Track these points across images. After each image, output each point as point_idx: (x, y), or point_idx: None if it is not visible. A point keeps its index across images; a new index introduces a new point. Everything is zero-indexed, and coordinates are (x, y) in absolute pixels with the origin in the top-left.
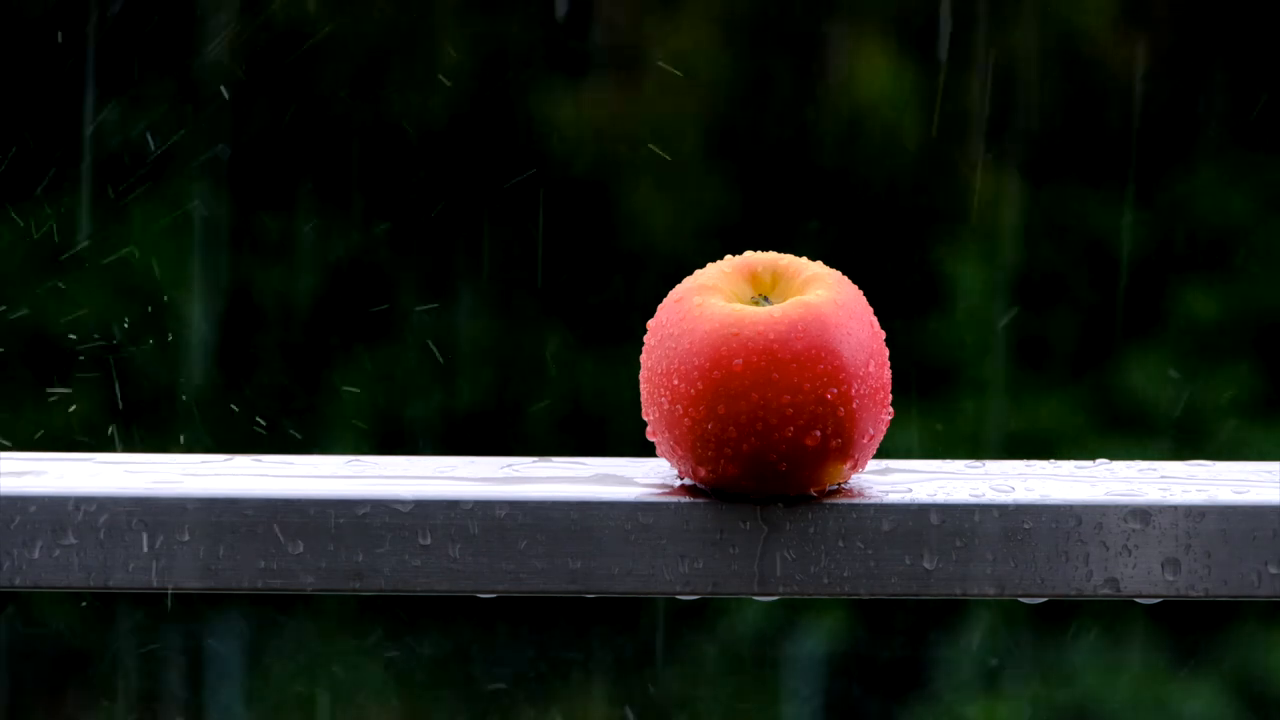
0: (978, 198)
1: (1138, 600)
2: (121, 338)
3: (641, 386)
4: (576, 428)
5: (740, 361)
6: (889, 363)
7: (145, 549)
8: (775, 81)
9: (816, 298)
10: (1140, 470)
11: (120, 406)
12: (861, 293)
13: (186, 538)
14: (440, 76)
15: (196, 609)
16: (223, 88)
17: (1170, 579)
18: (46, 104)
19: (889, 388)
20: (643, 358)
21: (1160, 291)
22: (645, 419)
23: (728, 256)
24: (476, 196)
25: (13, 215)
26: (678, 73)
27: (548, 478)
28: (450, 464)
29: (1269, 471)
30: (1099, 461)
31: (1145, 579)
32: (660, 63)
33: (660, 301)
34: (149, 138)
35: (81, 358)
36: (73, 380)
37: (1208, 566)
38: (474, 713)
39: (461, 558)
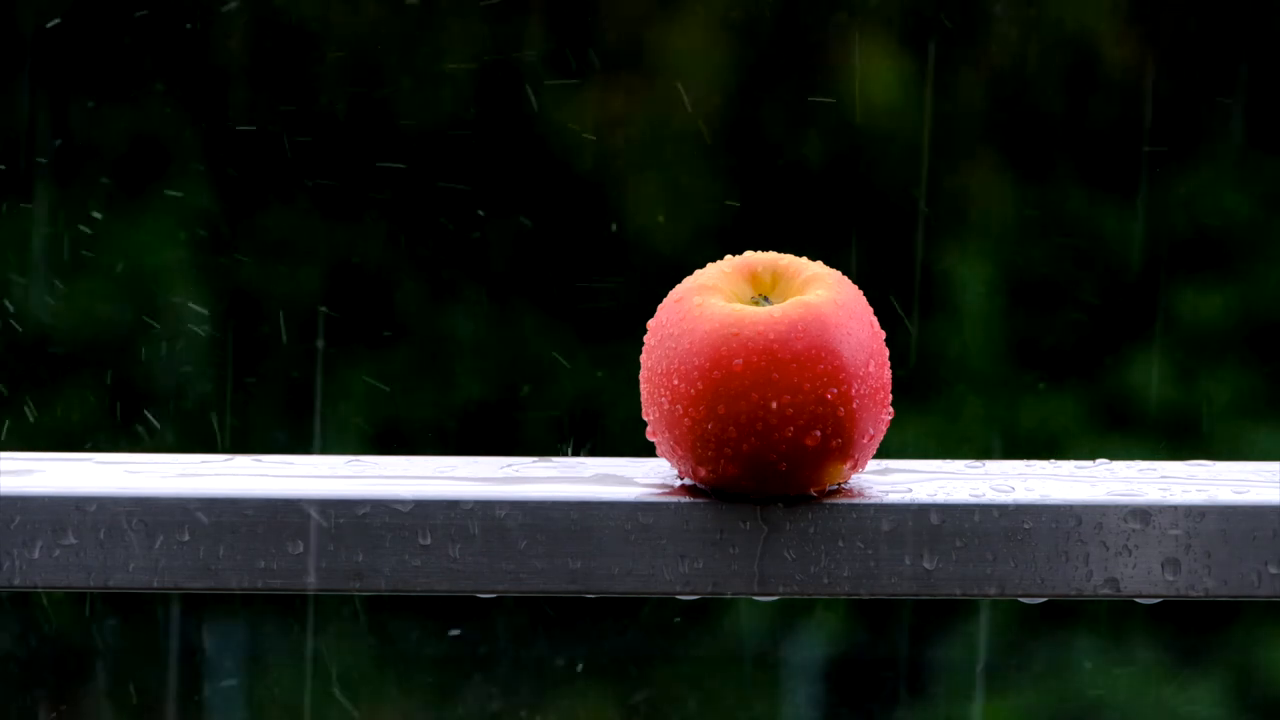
0: (978, 198)
1: (1138, 600)
2: (122, 338)
3: (641, 386)
4: (576, 428)
5: (740, 361)
6: (889, 363)
7: (145, 549)
8: (776, 82)
9: (816, 298)
10: (1140, 470)
11: (120, 406)
12: (861, 293)
13: (186, 538)
14: (441, 76)
15: (196, 609)
16: (223, 87)
17: (1170, 579)
18: (46, 104)
19: (889, 388)
20: (643, 358)
21: (1160, 291)
22: (645, 419)
23: (728, 256)
24: (477, 196)
25: (13, 215)
26: (678, 73)
27: (548, 478)
28: (450, 464)
29: (1269, 471)
30: (1099, 461)
31: (1145, 579)
32: (660, 63)
33: (660, 301)
34: (149, 138)
35: (82, 358)
36: (73, 380)
37: (1208, 566)
38: (474, 713)
39: (461, 558)
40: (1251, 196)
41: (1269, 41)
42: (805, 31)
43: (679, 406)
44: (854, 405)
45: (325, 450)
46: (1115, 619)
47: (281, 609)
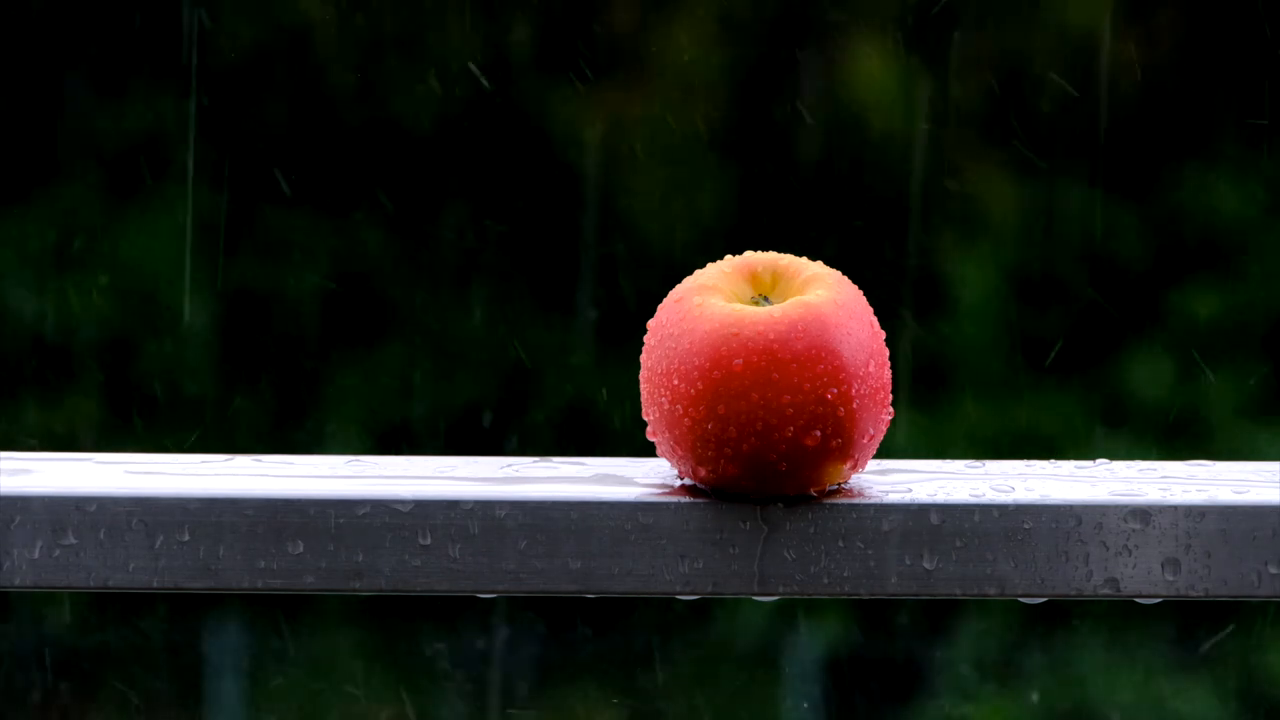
0: (978, 197)
1: (1138, 600)
2: (122, 338)
3: (641, 386)
4: (576, 428)
5: (740, 361)
6: (889, 363)
7: (145, 549)
8: (776, 81)
9: (816, 298)
10: (1140, 470)
11: (120, 406)
12: (861, 293)
13: (186, 538)
14: (441, 76)
15: (196, 609)
16: (223, 87)
17: (1170, 579)
18: (46, 104)
19: (889, 388)
20: (643, 358)
21: (1160, 291)
22: (645, 419)
23: (728, 256)
24: (477, 196)
25: (13, 215)
26: (678, 73)
27: (548, 478)
28: (450, 464)
29: (1269, 471)
30: (1099, 461)
31: (1145, 579)
32: (660, 63)
33: (660, 301)
34: (149, 137)
35: (81, 358)
36: (73, 380)
37: (1208, 566)
38: (474, 713)
39: (461, 558)
40: (1252, 196)
41: (1269, 41)
42: (805, 31)
43: (679, 406)
44: (854, 405)
45: (325, 450)
46: (1115, 619)
47: (282, 609)
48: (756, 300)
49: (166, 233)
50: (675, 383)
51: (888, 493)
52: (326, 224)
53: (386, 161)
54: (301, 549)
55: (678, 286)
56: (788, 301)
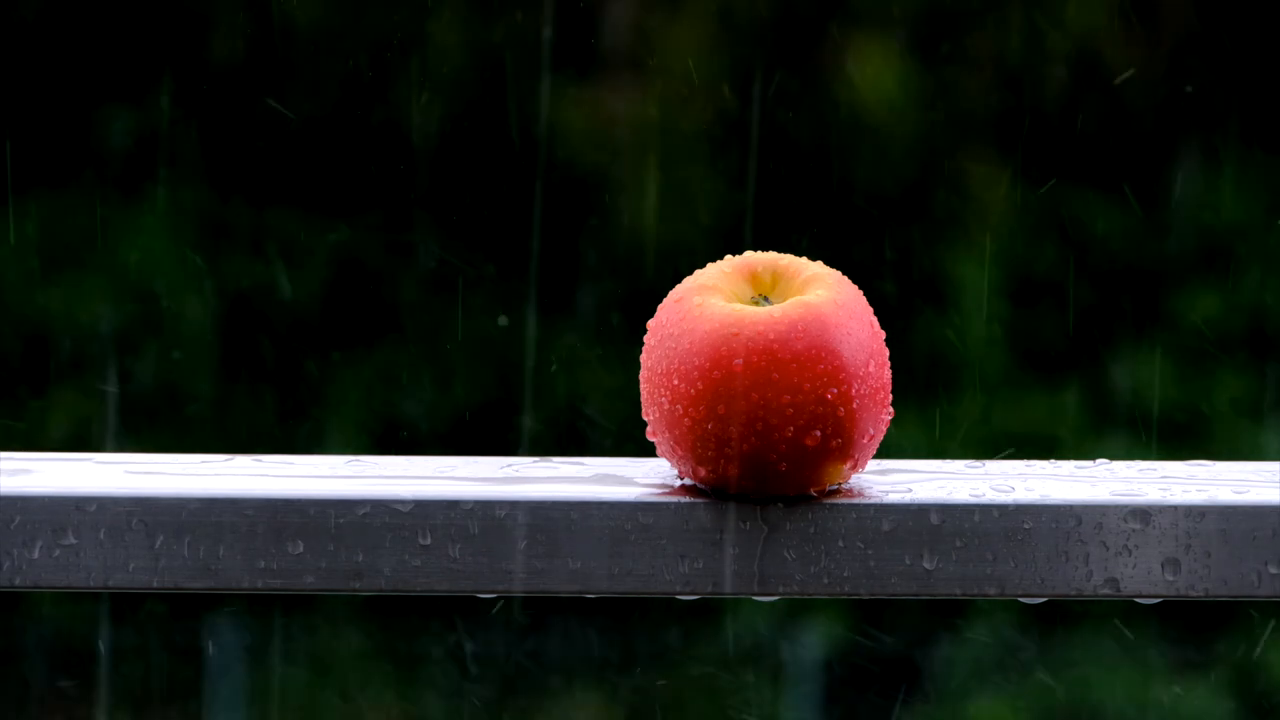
0: (978, 197)
1: (1138, 600)
2: (121, 338)
3: (641, 386)
4: (576, 428)
5: (740, 361)
6: (889, 363)
7: (145, 549)
8: (776, 81)
9: (816, 298)
10: (1140, 470)
11: (120, 406)
12: (861, 293)
13: (186, 538)
14: (441, 75)
15: (196, 609)
16: (223, 87)
17: (1170, 579)
18: (46, 103)
19: (889, 388)
20: (643, 358)
21: (1160, 292)
22: (645, 419)
23: (728, 256)
24: (477, 196)
25: (13, 215)
26: (679, 71)
27: (548, 478)
28: (450, 464)
29: (1269, 471)
30: (1099, 461)
31: (1145, 579)
32: (661, 62)
33: (660, 301)
34: (149, 137)
35: (81, 357)
36: (73, 380)
37: (1208, 566)
38: (474, 713)
39: (461, 558)
40: (1252, 196)
41: (1270, 41)
42: (806, 30)
43: (679, 406)
44: (854, 405)
45: (325, 450)
46: (1115, 619)
47: (282, 609)
48: (756, 300)
49: (166, 232)
50: (675, 383)
51: (888, 493)
52: (326, 224)
53: (386, 161)
54: (301, 549)
55: (678, 286)
56: (788, 301)
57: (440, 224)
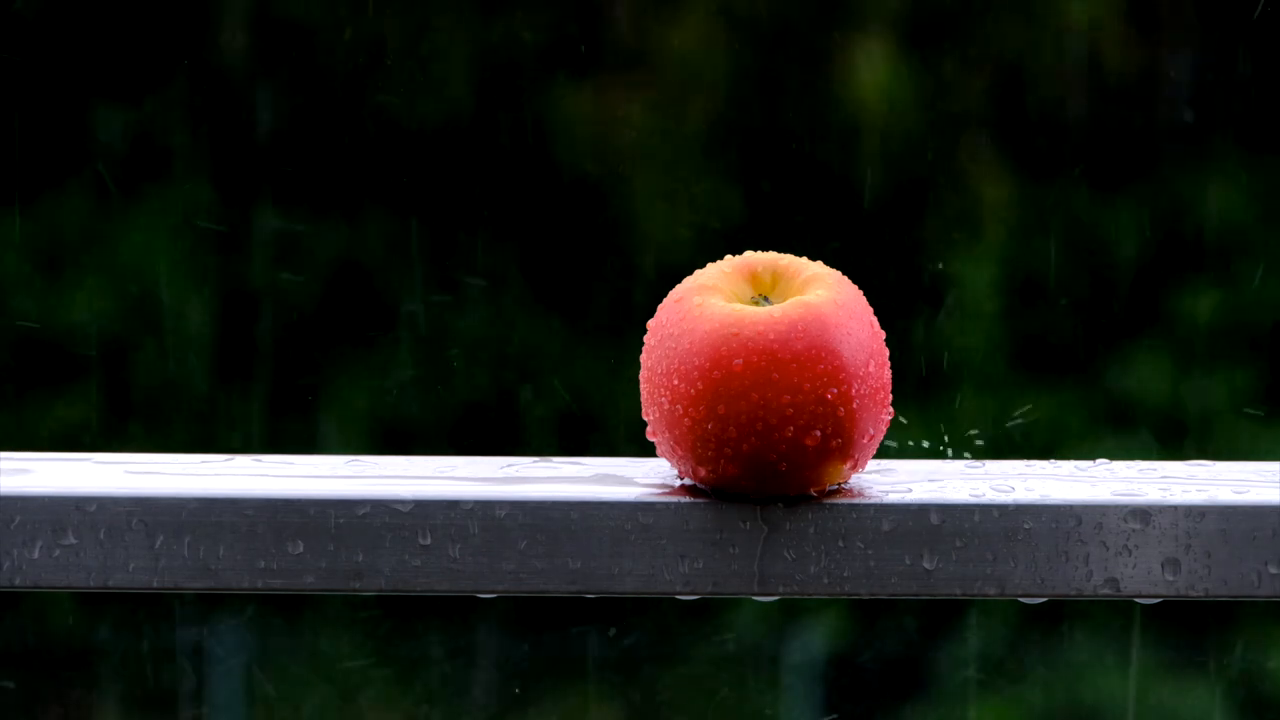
0: (979, 197)
1: (1138, 600)
2: (121, 338)
3: (641, 386)
4: (576, 428)
5: (740, 361)
6: (889, 363)
7: (145, 549)
8: (776, 81)
9: (816, 298)
10: (1140, 470)
11: (120, 406)
12: (861, 293)
13: (186, 538)
14: (441, 74)
15: (196, 609)
16: (222, 87)
17: (1170, 579)
18: (46, 103)
19: (889, 388)
20: (643, 358)
21: (1160, 291)
22: (645, 419)
23: (728, 256)
24: (477, 196)
25: (12, 215)
26: (679, 71)
27: (548, 478)
28: (450, 464)
29: (1269, 471)
30: (1099, 461)
31: (1145, 579)
32: (661, 62)
33: (660, 301)
34: (148, 137)
35: (81, 358)
36: (72, 381)
37: (1208, 566)
38: (474, 713)
39: (461, 558)
40: (1252, 197)
41: (1269, 41)
42: (807, 29)
43: (679, 406)
44: (854, 405)
45: (325, 450)
46: (1115, 619)
47: (282, 609)
48: (756, 300)
49: (166, 232)
50: (675, 383)
51: (888, 493)
52: (326, 224)
53: (386, 161)
54: (301, 549)
55: (678, 286)
56: (788, 301)
57: (440, 224)
